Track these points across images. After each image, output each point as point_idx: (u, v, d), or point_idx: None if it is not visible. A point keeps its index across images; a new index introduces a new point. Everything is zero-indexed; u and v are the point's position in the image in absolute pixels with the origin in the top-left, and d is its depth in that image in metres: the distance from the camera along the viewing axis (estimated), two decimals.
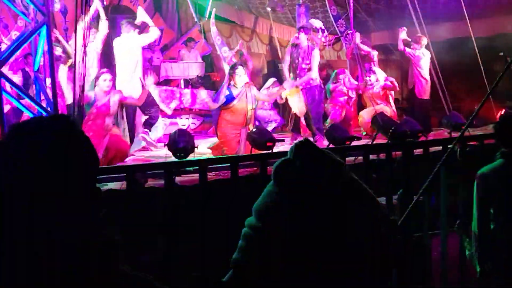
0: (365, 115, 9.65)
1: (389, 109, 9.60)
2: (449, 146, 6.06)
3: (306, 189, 1.35)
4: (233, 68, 7.66)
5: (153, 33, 8.09)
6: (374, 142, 7.54)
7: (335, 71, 10.06)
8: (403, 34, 9.72)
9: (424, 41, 9.69)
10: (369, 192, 1.49)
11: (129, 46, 7.79)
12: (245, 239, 1.40)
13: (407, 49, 9.67)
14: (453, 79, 10.59)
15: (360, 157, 6.24)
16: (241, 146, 7.47)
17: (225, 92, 7.54)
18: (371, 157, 6.79)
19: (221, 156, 6.89)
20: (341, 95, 9.89)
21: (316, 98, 8.88)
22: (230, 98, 7.49)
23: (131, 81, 7.62)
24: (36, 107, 5.55)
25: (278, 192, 1.36)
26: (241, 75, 7.52)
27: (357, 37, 9.95)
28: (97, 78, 7.16)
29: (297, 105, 8.97)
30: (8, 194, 1.20)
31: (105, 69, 7.46)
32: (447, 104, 9.85)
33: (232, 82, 7.52)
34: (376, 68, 9.94)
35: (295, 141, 1.37)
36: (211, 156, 7.32)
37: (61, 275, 1.17)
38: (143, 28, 8.67)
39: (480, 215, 3.40)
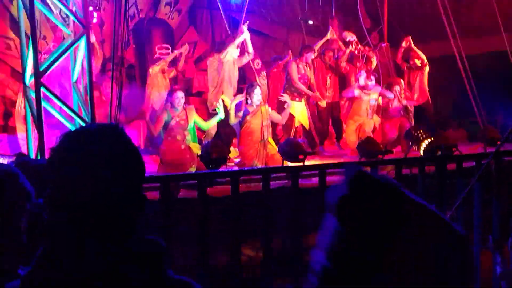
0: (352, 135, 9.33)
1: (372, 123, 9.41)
2: (483, 162, 5.99)
3: (374, 227, 1.25)
4: (251, 87, 8.03)
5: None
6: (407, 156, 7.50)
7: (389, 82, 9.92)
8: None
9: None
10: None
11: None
12: (318, 278, 1.32)
13: None
14: (487, 92, 10.47)
15: (392, 171, 6.21)
16: (256, 160, 7.81)
17: (242, 109, 7.98)
18: (404, 171, 6.77)
19: (253, 168, 6.98)
20: (396, 110, 9.59)
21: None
22: (244, 115, 7.93)
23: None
24: (75, 117, 5.69)
25: (345, 232, 1.25)
26: (258, 95, 7.91)
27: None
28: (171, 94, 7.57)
29: (303, 118, 9.37)
30: (64, 200, 1.26)
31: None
32: (481, 118, 9.73)
33: (249, 101, 7.90)
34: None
35: (350, 174, 1.30)
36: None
37: (112, 282, 1.22)
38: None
39: None
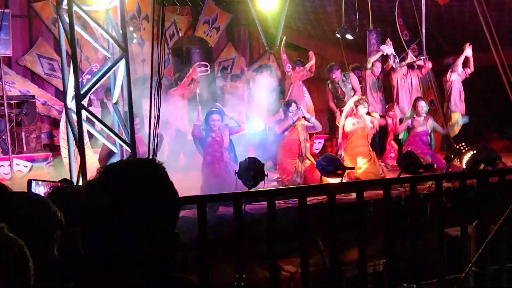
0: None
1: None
2: None
3: None
4: (286, 105, 8.17)
5: None
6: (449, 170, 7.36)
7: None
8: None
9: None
10: None
11: None
12: None
13: None
14: None
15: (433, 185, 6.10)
16: (295, 175, 7.89)
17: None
18: (447, 185, 6.64)
19: (288, 187, 7.00)
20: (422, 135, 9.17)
21: None
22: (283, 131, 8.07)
23: None
24: (115, 138, 5.81)
25: None
26: (294, 111, 8.01)
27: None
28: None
29: None
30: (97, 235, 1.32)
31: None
32: None
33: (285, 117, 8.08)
34: None
35: None
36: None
37: None
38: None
39: None
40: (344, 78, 10.43)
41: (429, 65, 10.11)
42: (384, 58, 10.18)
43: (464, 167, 7.33)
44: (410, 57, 10.21)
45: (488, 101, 11.51)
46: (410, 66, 10.08)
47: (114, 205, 1.29)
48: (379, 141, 9.90)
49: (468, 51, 9.91)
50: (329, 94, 10.54)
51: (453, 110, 10.04)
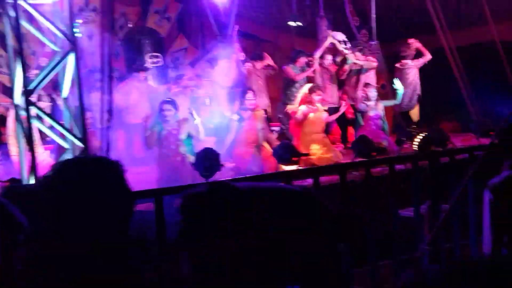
0: None
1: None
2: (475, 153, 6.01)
3: None
4: (243, 93, 8.19)
5: None
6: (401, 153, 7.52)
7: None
8: None
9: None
10: None
11: None
12: None
13: None
14: (479, 83, 10.49)
15: (387, 168, 6.23)
16: (252, 164, 7.86)
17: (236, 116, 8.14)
18: (400, 167, 6.79)
19: (245, 176, 7.04)
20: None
21: None
22: (240, 121, 8.09)
23: None
24: (67, 134, 5.69)
25: None
26: (250, 99, 8.04)
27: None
28: None
29: None
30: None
31: None
32: (474, 109, 9.76)
33: (242, 106, 8.08)
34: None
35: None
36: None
37: None
38: None
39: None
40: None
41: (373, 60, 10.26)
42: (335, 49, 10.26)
43: (416, 149, 7.52)
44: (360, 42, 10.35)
45: (438, 83, 11.78)
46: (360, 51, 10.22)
47: (73, 201, 1.33)
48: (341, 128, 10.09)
49: (418, 45, 10.14)
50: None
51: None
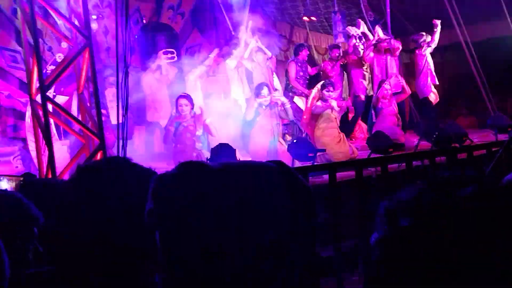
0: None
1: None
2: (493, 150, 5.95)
3: None
4: (258, 88, 8.15)
5: None
6: (418, 149, 7.46)
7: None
8: None
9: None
10: None
11: None
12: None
13: None
14: (496, 78, 10.37)
15: (403, 164, 6.18)
16: (268, 159, 7.76)
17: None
18: (416, 163, 6.72)
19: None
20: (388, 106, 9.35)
21: None
22: (256, 115, 8.06)
23: None
24: (83, 129, 5.71)
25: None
26: (266, 95, 8.01)
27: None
28: None
29: None
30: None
31: None
32: (491, 104, 9.66)
33: (259, 101, 8.06)
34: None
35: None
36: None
37: None
38: None
39: None
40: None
41: (399, 45, 10.12)
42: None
43: (433, 145, 7.45)
44: (377, 37, 10.21)
45: (455, 78, 11.69)
46: (377, 46, 10.13)
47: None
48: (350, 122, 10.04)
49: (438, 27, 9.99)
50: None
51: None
